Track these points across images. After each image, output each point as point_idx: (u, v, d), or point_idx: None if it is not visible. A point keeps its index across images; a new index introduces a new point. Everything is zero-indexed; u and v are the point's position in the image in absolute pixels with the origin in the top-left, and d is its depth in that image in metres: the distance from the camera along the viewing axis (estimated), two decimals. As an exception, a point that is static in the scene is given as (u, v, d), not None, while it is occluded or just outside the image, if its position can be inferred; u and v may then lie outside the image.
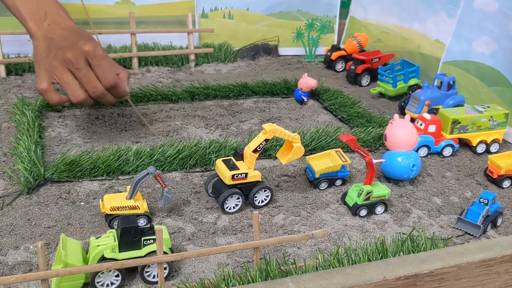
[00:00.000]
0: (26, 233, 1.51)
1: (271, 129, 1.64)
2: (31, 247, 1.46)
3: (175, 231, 1.57)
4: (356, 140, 1.63)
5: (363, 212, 1.68)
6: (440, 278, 1.13)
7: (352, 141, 1.60)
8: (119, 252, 1.30)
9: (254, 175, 1.67)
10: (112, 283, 1.30)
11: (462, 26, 2.58)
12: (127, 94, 1.95)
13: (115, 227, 1.52)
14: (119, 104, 2.40)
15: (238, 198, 1.67)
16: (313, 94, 2.63)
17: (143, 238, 1.32)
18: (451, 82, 2.42)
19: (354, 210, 1.67)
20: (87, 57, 1.75)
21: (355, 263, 1.34)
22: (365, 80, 2.88)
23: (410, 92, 2.63)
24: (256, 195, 1.69)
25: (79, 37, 1.77)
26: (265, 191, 1.70)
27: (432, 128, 2.08)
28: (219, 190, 1.68)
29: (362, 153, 1.63)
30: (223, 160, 1.70)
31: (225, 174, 1.64)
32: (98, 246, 1.31)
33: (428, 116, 2.10)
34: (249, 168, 1.67)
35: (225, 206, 1.66)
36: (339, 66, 3.08)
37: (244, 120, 2.34)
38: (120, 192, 1.72)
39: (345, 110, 2.40)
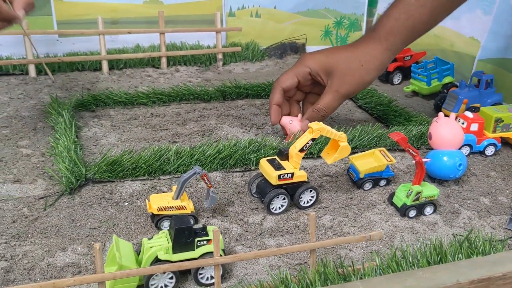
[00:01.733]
0: (72, 234, 1.49)
1: (318, 128, 1.61)
2: (79, 248, 1.44)
3: (221, 232, 1.53)
4: (407, 138, 1.59)
5: (412, 213, 1.64)
6: (513, 282, 1.09)
7: (403, 140, 1.56)
8: (173, 253, 1.28)
9: (300, 175, 1.64)
10: (165, 286, 1.27)
11: (499, 23, 2.53)
12: (18, 18, 1.73)
13: (163, 228, 1.49)
14: (152, 103, 2.37)
15: (284, 199, 1.63)
16: (346, 92, 2.59)
17: (196, 239, 1.29)
18: (489, 80, 2.37)
19: (403, 210, 1.63)
20: None
21: (414, 265, 1.30)
22: (396, 79, 2.83)
23: (445, 90, 2.59)
24: (301, 196, 1.65)
25: None
26: (310, 191, 1.67)
27: (474, 127, 2.03)
28: (263, 191, 1.64)
29: (412, 152, 1.59)
30: (267, 160, 1.67)
31: (271, 174, 1.60)
32: (151, 247, 1.28)
33: (470, 115, 2.05)
34: (295, 167, 1.64)
35: (271, 207, 1.63)
36: (369, 64, 3.03)
37: (278, 119, 2.31)
38: (163, 192, 1.69)
39: (381, 108, 2.35)
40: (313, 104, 1.98)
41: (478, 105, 2.32)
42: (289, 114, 2.05)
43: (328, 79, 1.92)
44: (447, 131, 1.81)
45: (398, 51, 1.95)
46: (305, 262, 1.41)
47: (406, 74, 2.81)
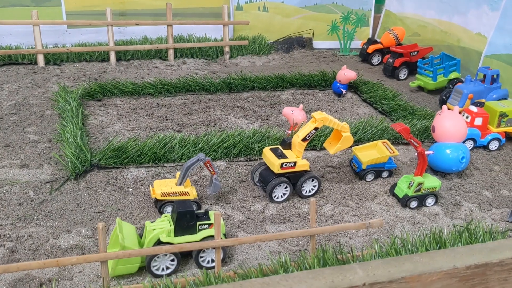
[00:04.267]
0: (77, 218, 1.51)
1: (320, 118, 1.62)
2: (83, 231, 1.46)
3: (224, 218, 1.55)
4: (410, 129, 1.60)
5: (414, 204, 1.64)
6: (510, 268, 1.09)
7: (405, 131, 1.57)
8: (175, 236, 1.29)
9: (303, 164, 1.65)
10: (167, 268, 1.29)
11: (506, 19, 2.52)
12: None
13: (166, 213, 1.51)
14: (159, 94, 2.40)
15: (286, 187, 1.65)
16: (351, 86, 2.60)
17: (198, 223, 1.31)
18: (495, 76, 2.36)
19: (404, 201, 1.64)
20: None
21: (412, 253, 1.31)
22: (403, 74, 2.83)
23: (451, 85, 2.59)
24: (303, 185, 1.67)
25: None
26: (312, 180, 1.68)
27: (478, 121, 2.04)
28: (266, 179, 1.66)
29: (414, 143, 1.60)
30: (271, 149, 1.68)
31: (274, 163, 1.62)
32: (153, 230, 1.30)
33: (474, 109, 2.05)
34: (298, 157, 1.65)
35: (273, 195, 1.64)
36: (376, 59, 3.03)
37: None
38: (167, 179, 1.71)
39: (386, 102, 2.36)
40: None
41: (483, 100, 2.32)
42: None
43: None
44: (450, 124, 1.81)
45: None
46: (305, 249, 1.43)
47: (412, 69, 2.81)
